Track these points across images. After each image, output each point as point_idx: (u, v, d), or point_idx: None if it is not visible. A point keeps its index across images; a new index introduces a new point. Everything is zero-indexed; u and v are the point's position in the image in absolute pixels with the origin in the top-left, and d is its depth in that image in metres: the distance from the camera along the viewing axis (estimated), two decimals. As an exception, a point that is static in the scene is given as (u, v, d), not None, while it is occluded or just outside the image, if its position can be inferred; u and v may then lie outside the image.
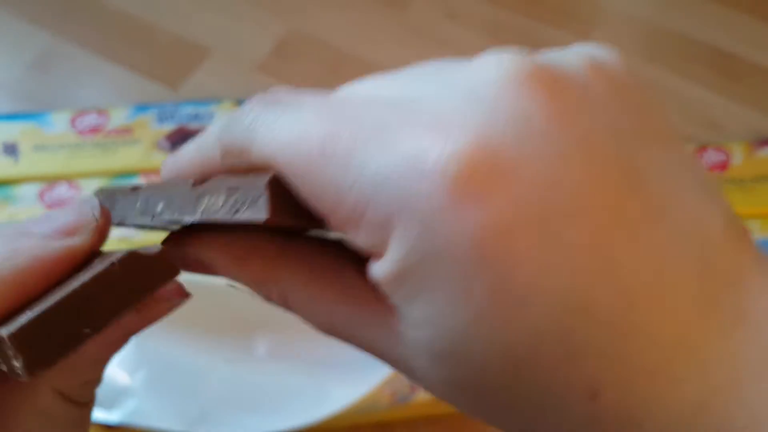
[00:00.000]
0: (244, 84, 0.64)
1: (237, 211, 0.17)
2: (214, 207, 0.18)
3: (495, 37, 0.68)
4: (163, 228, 0.22)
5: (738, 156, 0.59)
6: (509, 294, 0.14)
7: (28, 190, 0.57)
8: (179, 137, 0.60)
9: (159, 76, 0.65)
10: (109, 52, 0.67)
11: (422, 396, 0.46)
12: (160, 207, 0.20)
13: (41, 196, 0.56)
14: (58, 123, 0.61)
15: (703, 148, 0.60)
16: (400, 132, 0.15)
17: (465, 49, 0.71)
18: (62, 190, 0.57)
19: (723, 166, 0.59)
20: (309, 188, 0.16)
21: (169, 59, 0.67)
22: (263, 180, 0.17)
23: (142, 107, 0.62)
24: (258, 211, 0.17)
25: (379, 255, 0.16)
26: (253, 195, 0.17)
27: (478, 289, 0.14)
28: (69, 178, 0.57)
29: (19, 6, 0.69)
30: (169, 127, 0.60)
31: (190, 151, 0.21)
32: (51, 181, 0.57)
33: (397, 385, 0.45)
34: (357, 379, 0.44)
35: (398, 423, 0.47)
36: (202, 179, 0.19)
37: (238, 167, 0.18)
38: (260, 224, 0.17)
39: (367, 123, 0.16)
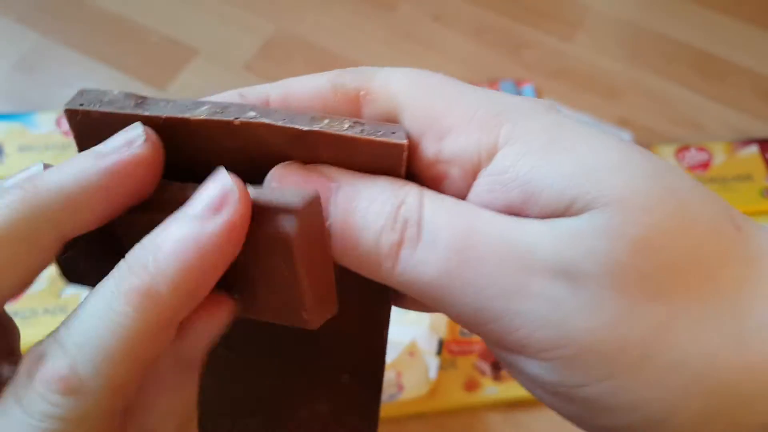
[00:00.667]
0: (232, 84, 0.64)
1: (366, 135, 0.19)
2: (336, 127, 0.19)
3: (481, 38, 0.69)
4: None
5: (720, 155, 0.60)
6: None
7: (14, 191, 0.57)
8: (166, 137, 0.60)
9: (146, 77, 0.65)
10: (95, 52, 0.67)
11: (409, 394, 0.46)
12: (252, 113, 0.19)
13: (27, 196, 0.56)
14: (44, 123, 0.61)
15: (685, 147, 0.61)
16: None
17: (451, 50, 0.73)
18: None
19: (705, 165, 0.60)
20: (427, 100, 0.19)
21: (156, 59, 0.67)
22: (395, 124, 0.19)
23: (128, 107, 0.62)
24: (397, 138, 0.19)
25: (477, 168, 0.18)
26: (386, 129, 0.19)
27: (612, 139, 0.18)
28: (55, 179, 0.57)
29: (5, 5, 0.69)
30: (155, 128, 0.60)
31: (297, 80, 0.21)
32: (37, 181, 0.57)
33: (384, 385, 0.45)
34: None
35: (386, 421, 0.47)
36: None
37: (344, 101, 0.20)
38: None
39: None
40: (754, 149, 0.61)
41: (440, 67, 0.69)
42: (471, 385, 0.48)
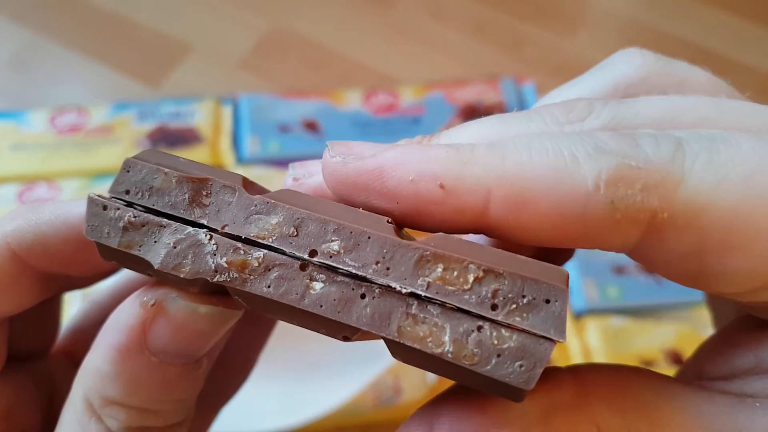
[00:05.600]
0: (226, 81, 0.64)
1: (498, 309, 0.13)
2: (453, 287, 0.13)
3: (480, 35, 0.68)
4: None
5: (722, 154, 0.59)
6: None
7: (7, 191, 0.56)
8: (159, 136, 0.59)
9: (140, 74, 0.64)
10: (89, 49, 0.66)
11: (407, 398, 0.46)
12: (334, 245, 0.14)
13: (20, 196, 0.55)
14: (37, 122, 0.60)
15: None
16: None
17: (450, 47, 0.72)
18: (41, 191, 0.56)
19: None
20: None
21: (150, 56, 0.66)
22: (553, 272, 0.13)
23: (122, 105, 0.61)
24: (546, 322, 0.12)
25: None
26: (535, 293, 0.12)
27: None
28: (48, 179, 0.56)
29: (-4, 2, 0.68)
30: (149, 126, 0.59)
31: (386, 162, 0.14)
32: (30, 181, 0.56)
33: (381, 389, 0.45)
34: (341, 382, 0.44)
35: (384, 425, 0.47)
36: (402, 222, 0.14)
37: (626, 224, 0.13)
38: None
39: None
40: (757, 147, 0.60)
41: (439, 65, 0.69)
42: (470, 388, 0.48)
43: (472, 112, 0.61)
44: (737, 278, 0.13)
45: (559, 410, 0.14)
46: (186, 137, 0.59)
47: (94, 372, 0.16)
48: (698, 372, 0.17)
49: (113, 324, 0.16)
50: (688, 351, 0.49)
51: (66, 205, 0.18)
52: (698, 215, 0.12)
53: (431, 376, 0.46)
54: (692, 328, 0.50)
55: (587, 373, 0.15)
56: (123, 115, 0.60)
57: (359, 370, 0.44)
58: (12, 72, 0.65)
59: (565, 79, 0.20)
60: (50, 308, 0.22)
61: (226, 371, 0.23)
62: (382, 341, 0.14)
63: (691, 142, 0.13)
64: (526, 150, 0.13)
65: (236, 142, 0.59)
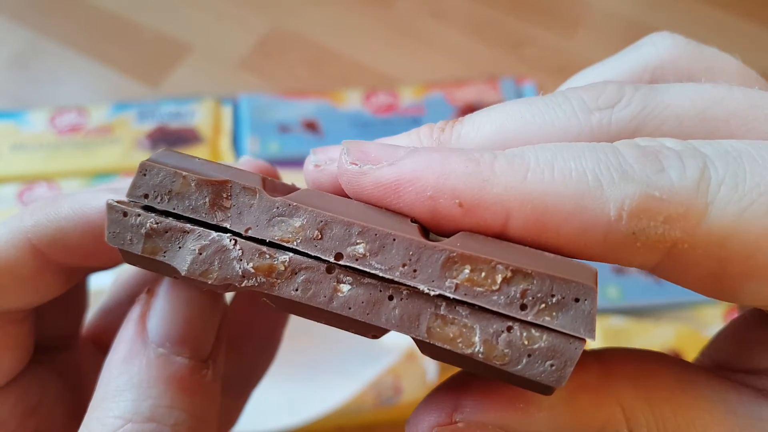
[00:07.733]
0: (226, 81, 0.64)
1: (527, 309, 0.13)
2: (481, 288, 0.13)
3: (480, 35, 0.68)
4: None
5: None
6: None
7: (7, 191, 0.56)
8: (159, 136, 0.59)
9: (140, 74, 0.64)
10: (89, 49, 0.66)
11: (408, 397, 0.46)
12: (360, 248, 0.14)
13: (20, 196, 0.55)
14: (37, 122, 0.60)
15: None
16: None
17: (450, 47, 0.72)
18: (41, 191, 0.56)
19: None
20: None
21: (150, 56, 0.66)
22: (582, 270, 0.13)
23: (122, 105, 0.61)
24: (576, 322, 0.13)
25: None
26: (564, 292, 0.13)
27: None
28: (48, 179, 0.56)
29: (-4, 2, 0.68)
30: (149, 126, 0.59)
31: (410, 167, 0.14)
32: (30, 181, 0.56)
33: (381, 389, 0.45)
34: (342, 382, 0.44)
35: (382, 425, 0.47)
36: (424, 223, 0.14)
37: (644, 249, 0.13)
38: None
39: None
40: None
41: (439, 65, 0.69)
42: (470, 388, 0.48)
43: (471, 113, 0.61)
44: (758, 298, 0.13)
45: (584, 390, 0.14)
46: (186, 137, 0.59)
47: (109, 397, 0.16)
48: (718, 362, 0.17)
49: (116, 342, 0.17)
50: (688, 351, 0.49)
51: (83, 197, 0.18)
52: (719, 246, 0.12)
53: (431, 376, 0.46)
54: (692, 328, 0.50)
55: (611, 356, 0.15)
56: (123, 115, 0.60)
57: (359, 370, 0.44)
58: (12, 72, 0.65)
59: (565, 79, 0.20)
60: (75, 293, 0.22)
61: (253, 350, 0.23)
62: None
63: (716, 164, 0.13)
64: (548, 168, 0.13)
65: (236, 142, 0.59)
